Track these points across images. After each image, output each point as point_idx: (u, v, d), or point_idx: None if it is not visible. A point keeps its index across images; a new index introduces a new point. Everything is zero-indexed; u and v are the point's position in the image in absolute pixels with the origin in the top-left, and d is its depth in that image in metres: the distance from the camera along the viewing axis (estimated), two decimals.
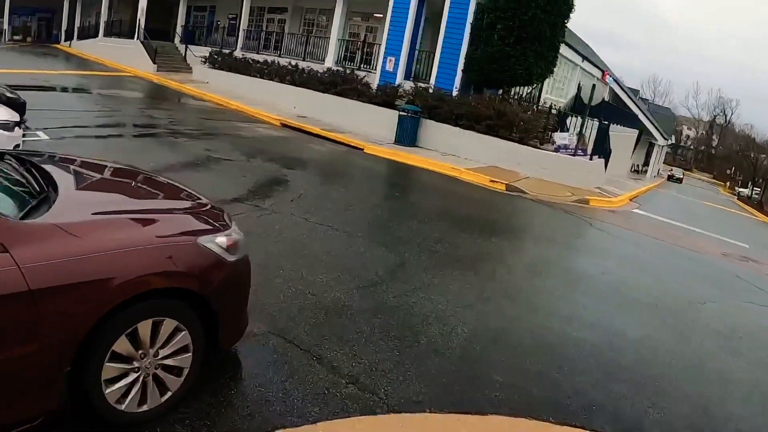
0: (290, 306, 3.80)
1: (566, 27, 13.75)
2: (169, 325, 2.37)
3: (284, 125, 13.76)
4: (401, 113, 13.13)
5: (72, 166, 3.09)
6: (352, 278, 4.51)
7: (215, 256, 2.57)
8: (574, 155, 12.35)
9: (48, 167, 2.77)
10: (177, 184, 3.36)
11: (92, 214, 2.34)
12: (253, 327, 3.26)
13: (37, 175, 2.63)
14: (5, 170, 2.57)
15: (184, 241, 2.51)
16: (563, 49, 15.55)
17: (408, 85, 14.62)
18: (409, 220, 6.81)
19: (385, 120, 13.63)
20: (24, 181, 2.54)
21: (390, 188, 9.80)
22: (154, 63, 22.27)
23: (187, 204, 2.97)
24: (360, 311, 3.92)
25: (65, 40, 36.51)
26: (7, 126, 5.92)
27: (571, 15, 13.51)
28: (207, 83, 19.39)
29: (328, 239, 5.44)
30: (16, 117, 6.13)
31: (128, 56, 23.88)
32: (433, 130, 13.16)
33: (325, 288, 4.21)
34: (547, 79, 14.95)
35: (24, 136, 6.33)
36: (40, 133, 8.35)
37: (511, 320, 4.36)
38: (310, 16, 21.09)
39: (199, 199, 3.11)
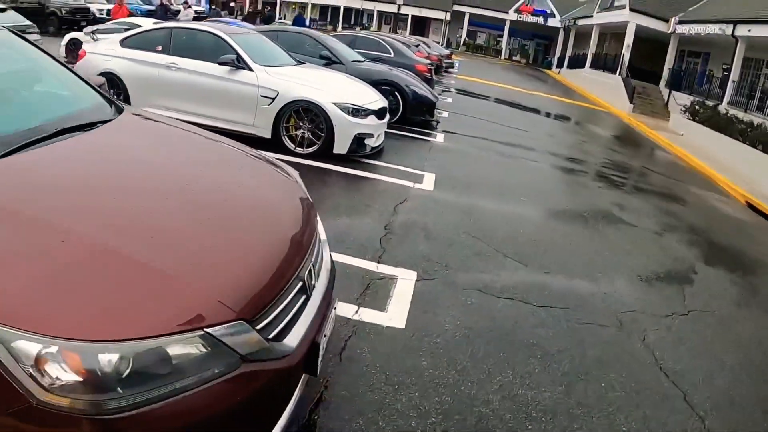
0: None
1: None
2: None
3: (751, 206, 10.02)
4: None
5: None
6: None
7: None
8: None
9: None
10: None
11: None
12: None
13: None
14: None
15: None
16: None
17: None
18: None
19: None
20: None
21: None
22: (631, 103, 21.39)
23: None
24: None
25: (556, 67, 40.38)
26: (357, 112, 6.68)
27: None
28: (681, 135, 17.03)
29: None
30: (381, 104, 7.20)
31: (606, 91, 23.89)
32: None
33: None
34: None
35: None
36: (439, 135, 9.55)
37: None
38: None
39: None
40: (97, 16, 21.28)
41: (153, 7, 23.16)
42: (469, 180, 7.17)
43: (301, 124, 6.71)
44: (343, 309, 3.45)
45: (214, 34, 7.14)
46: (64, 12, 22.13)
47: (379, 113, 7.11)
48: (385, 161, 7.17)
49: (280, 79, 6.75)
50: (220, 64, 6.77)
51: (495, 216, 5.87)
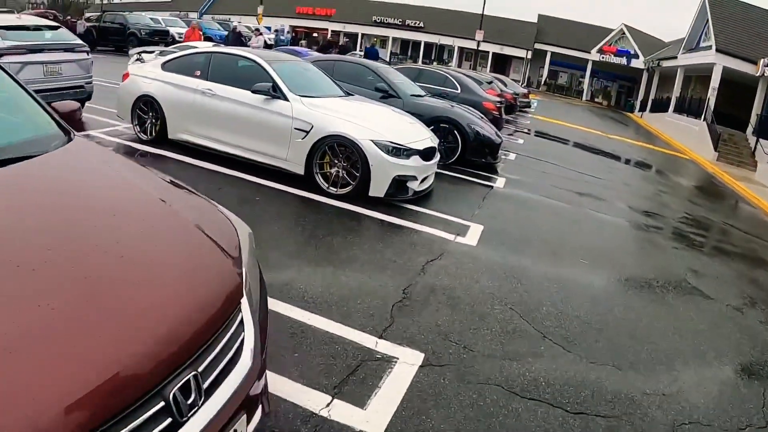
0: None
1: None
2: None
3: None
4: None
5: None
6: None
7: None
8: None
9: None
10: None
11: None
12: None
13: None
14: None
15: None
16: None
17: None
18: None
19: None
20: None
21: None
22: (715, 150, 20.00)
23: None
24: None
25: (639, 110, 38.95)
26: (398, 151, 6.07)
27: None
28: None
29: None
30: (429, 144, 6.54)
31: (689, 137, 22.70)
32: None
33: None
34: None
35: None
36: (500, 179, 8.75)
37: None
38: None
39: None
40: (177, 38, 22.19)
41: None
42: (522, 234, 6.27)
43: (335, 161, 6.12)
44: (312, 398, 2.72)
45: (252, 60, 6.76)
46: (143, 33, 23.42)
47: (426, 153, 6.41)
48: (428, 207, 6.42)
49: (316, 111, 6.22)
50: (253, 92, 6.34)
51: (543, 282, 4.93)
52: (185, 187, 2.54)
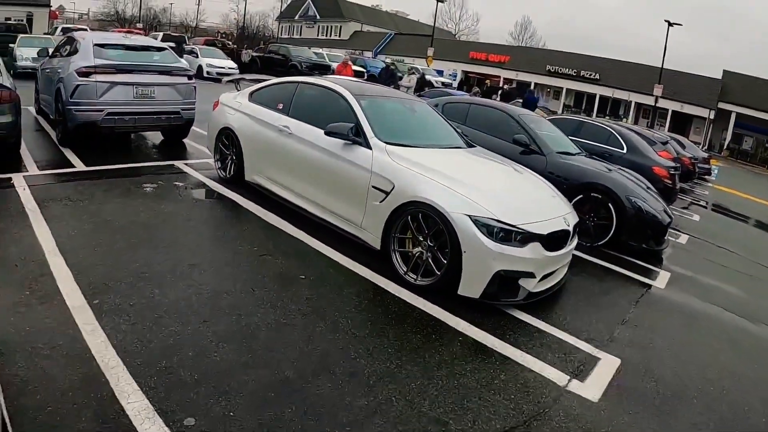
0: None
1: None
2: None
3: None
4: None
5: None
6: None
7: None
8: None
9: None
10: None
11: None
12: None
13: None
14: None
15: None
16: None
17: None
18: None
19: None
20: None
21: None
22: None
23: None
24: None
25: None
26: (508, 234, 4.09)
27: None
28: None
29: None
30: (559, 225, 4.32)
31: None
32: None
33: None
34: None
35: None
36: (662, 274, 5.48)
37: None
38: None
39: None
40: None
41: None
42: (677, 384, 3.86)
43: (420, 238, 4.37)
44: None
45: (336, 92, 5.32)
46: (304, 66, 23.83)
47: (555, 240, 4.40)
48: (546, 318, 4.36)
49: (402, 166, 4.55)
50: (326, 134, 4.86)
51: None
52: None
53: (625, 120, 40.05)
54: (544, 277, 4.40)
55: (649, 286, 5.92)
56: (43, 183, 6.11)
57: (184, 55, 22.76)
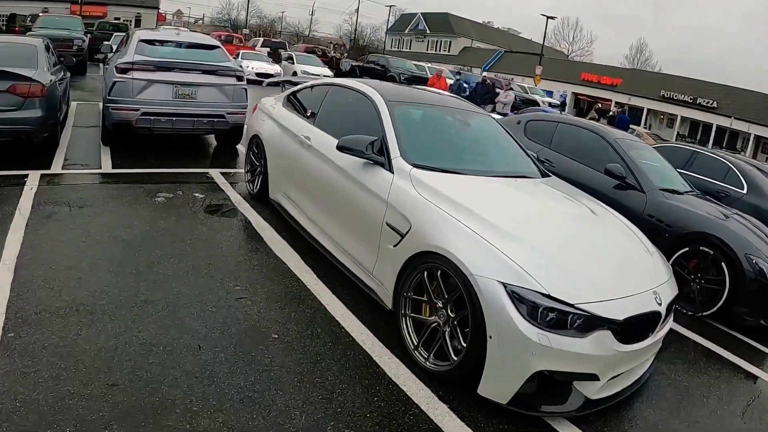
0: None
1: None
2: None
3: None
4: None
5: None
6: None
7: None
8: None
9: None
10: None
11: None
12: None
13: None
14: None
15: None
16: None
17: None
18: None
19: None
20: None
21: None
22: None
23: None
24: None
25: None
26: (560, 315, 3.05)
27: None
28: None
29: None
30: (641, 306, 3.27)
31: None
32: None
33: None
34: None
35: None
36: None
37: None
38: None
39: None
40: None
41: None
42: None
43: (438, 304, 3.11)
44: None
45: (366, 96, 4.23)
46: (402, 77, 23.12)
47: (636, 326, 2.93)
48: None
49: (426, 198, 3.32)
50: (338, 148, 3.75)
51: None
52: None
53: (743, 153, 35.47)
54: (613, 379, 2.99)
55: (761, 381, 4.22)
56: (55, 183, 5.58)
57: (282, 62, 22.77)
